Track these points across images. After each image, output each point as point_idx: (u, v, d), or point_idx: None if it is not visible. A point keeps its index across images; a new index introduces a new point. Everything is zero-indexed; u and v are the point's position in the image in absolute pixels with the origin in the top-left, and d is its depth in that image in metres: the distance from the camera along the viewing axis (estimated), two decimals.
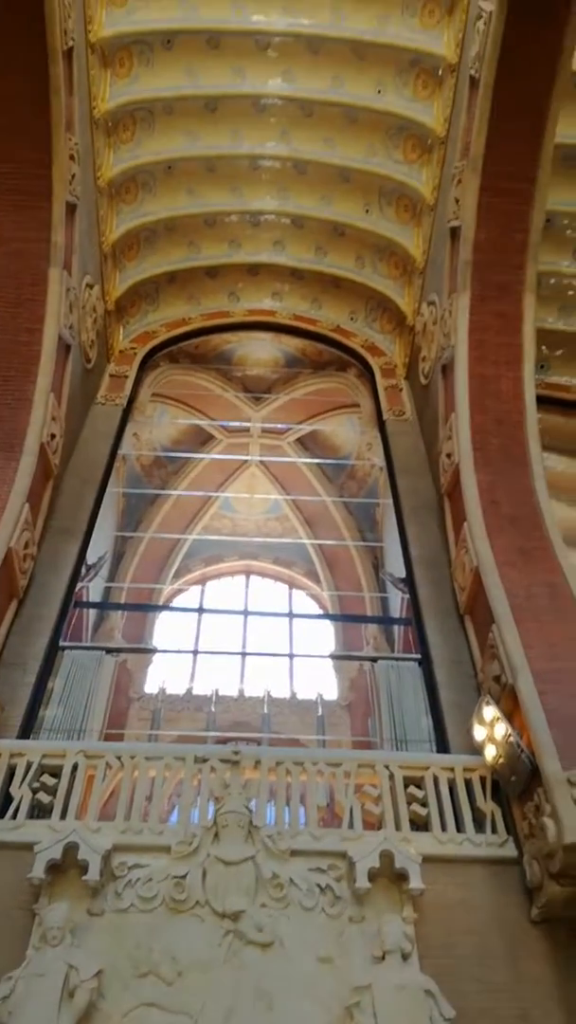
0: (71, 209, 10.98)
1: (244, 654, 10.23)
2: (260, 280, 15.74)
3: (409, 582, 10.15)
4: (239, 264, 15.44)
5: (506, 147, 10.42)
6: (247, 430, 13.67)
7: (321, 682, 11.87)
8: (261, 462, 13.01)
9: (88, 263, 12.25)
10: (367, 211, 14.34)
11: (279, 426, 13.40)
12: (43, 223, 10.47)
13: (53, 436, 10.26)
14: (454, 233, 11.26)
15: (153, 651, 10.69)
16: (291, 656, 10.42)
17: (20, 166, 10.40)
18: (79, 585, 9.88)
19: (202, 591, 11.93)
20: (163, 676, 11.34)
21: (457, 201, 11.06)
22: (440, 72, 12.29)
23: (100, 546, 11.18)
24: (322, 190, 14.53)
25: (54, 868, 6.59)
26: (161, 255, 14.76)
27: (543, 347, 13.46)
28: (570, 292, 13.40)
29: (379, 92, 13.23)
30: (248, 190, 14.70)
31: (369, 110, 13.36)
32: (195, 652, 10.41)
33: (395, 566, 10.92)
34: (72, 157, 10.81)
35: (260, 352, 15.48)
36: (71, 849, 6.65)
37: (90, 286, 12.32)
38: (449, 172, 11.76)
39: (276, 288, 15.81)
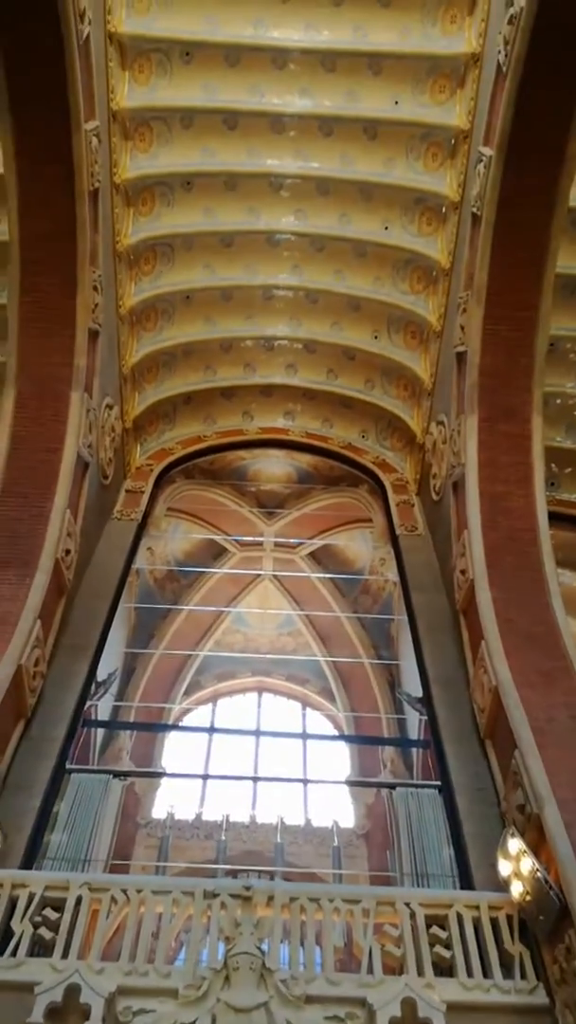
0: (93, 336, 11.48)
1: (256, 779, 9.89)
2: (274, 400, 16.24)
3: (427, 702, 9.92)
4: (254, 385, 15.97)
5: (508, 278, 10.92)
6: (260, 544, 13.76)
7: (337, 808, 11.41)
8: (274, 576, 13.02)
9: (108, 385, 12.70)
10: (376, 337, 14.93)
11: (292, 540, 13.49)
12: (67, 349, 10.94)
13: (68, 552, 10.35)
14: (460, 358, 11.65)
15: (162, 775, 10.36)
16: (305, 782, 10.06)
17: (47, 296, 10.97)
18: (88, 703, 9.71)
19: (213, 709, 11.67)
20: (172, 800, 10.96)
21: (463, 328, 11.50)
22: (444, 210, 13.05)
23: (110, 662, 11.06)
24: (333, 317, 15.19)
25: (54, 1012, 6.17)
26: (179, 377, 15.31)
27: (552, 465, 13.67)
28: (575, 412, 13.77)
29: (386, 228, 14.03)
30: (262, 318, 15.38)
31: (376, 244, 14.13)
32: (205, 776, 10.07)
33: (412, 685, 10.71)
34: (96, 288, 11.40)
35: (273, 468, 15.78)
36: (73, 991, 6.25)
37: (110, 407, 12.73)
38: (454, 301, 12.28)
39: (289, 408, 16.28)
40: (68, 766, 8.88)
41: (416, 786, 9.33)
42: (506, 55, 9.95)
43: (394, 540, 13.09)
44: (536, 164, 10.37)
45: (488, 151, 10.78)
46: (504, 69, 10.08)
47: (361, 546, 13.96)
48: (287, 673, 12.15)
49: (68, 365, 10.95)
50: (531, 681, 8.80)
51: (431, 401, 13.76)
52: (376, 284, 14.58)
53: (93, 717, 10.00)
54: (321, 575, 12.83)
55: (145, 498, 13.63)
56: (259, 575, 12.89)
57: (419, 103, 12.94)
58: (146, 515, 13.43)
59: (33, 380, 10.78)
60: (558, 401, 13.56)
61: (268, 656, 11.40)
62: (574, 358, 13.42)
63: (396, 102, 13.15)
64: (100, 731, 10.91)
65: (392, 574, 12.66)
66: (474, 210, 11.35)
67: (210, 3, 12.61)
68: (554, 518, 11.80)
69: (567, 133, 10.06)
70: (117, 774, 9.36)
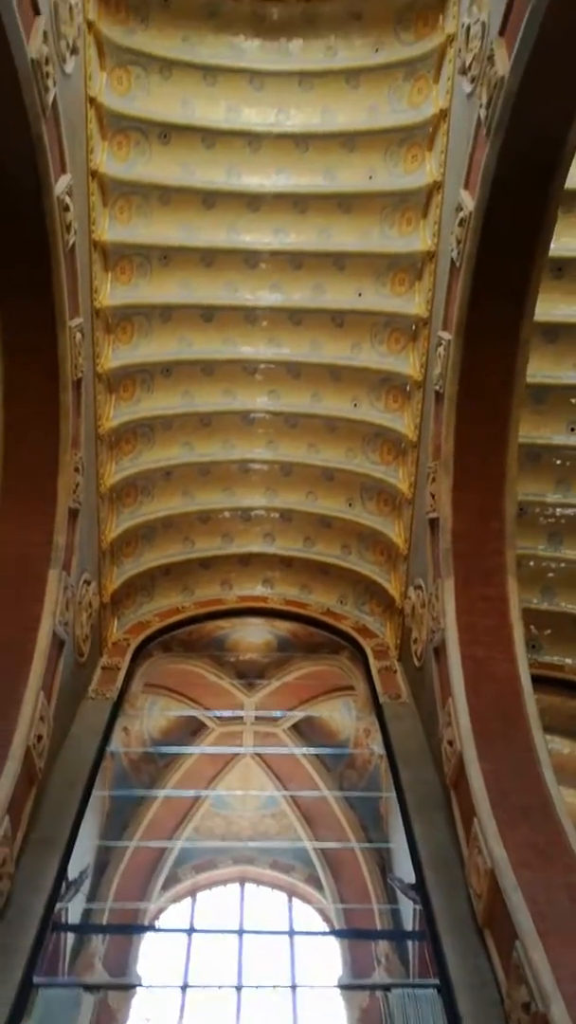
0: (73, 514, 11.67)
1: (240, 987, 9.02)
2: (252, 569, 16.36)
3: (420, 888, 9.29)
4: (232, 555, 16.15)
5: (474, 449, 11.42)
6: (241, 718, 13.36)
7: (327, 1013, 10.36)
8: (256, 754, 12.55)
9: (87, 561, 12.76)
10: (350, 505, 15.33)
11: (273, 713, 13.13)
12: (46, 528, 11.08)
13: (40, 738, 9.96)
14: (433, 524, 11.93)
15: (136, 986, 9.43)
16: (294, 987, 9.20)
17: (28, 478, 11.23)
18: (58, 906, 8.97)
19: (192, 906, 10.83)
20: (149, 1014, 9.89)
21: (433, 496, 11.87)
22: (408, 388, 13.83)
23: (82, 857, 10.35)
24: (308, 487, 15.65)
25: None
26: (158, 550, 15.45)
27: (532, 627, 13.69)
28: (550, 574, 13.95)
29: (355, 405, 14.78)
30: (240, 490, 15.81)
31: (347, 420, 14.84)
32: (184, 987, 9.17)
33: (404, 868, 10.07)
34: (77, 469, 11.73)
35: (253, 636, 15.64)
36: None
37: (87, 582, 12.72)
38: (423, 470, 12.75)
39: (267, 575, 16.39)
40: (35, 979, 8.07)
41: (414, 986, 8.55)
42: (459, 252, 10.92)
43: (378, 709, 12.78)
44: (493, 346, 11.12)
45: (447, 335, 11.58)
46: (457, 264, 11.04)
47: (345, 716, 13.61)
48: (271, 860, 11.40)
49: (47, 544, 11.05)
50: (527, 860, 8.35)
51: (407, 565, 13.93)
52: (348, 456, 15.16)
53: (63, 920, 9.20)
54: (304, 750, 12.38)
55: (121, 675, 13.34)
56: (240, 752, 12.42)
57: (381, 294, 14.04)
58: (122, 693, 13.09)
59: (11, 560, 10.82)
60: (531, 564, 13.78)
61: (250, 845, 10.73)
62: (543, 522, 13.80)
63: (360, 294, 14.27)
64: (70, 936, 10.02)
65: (378, 746, 12.26)
66: (437, 388, 12.03)
67: (187, 214, 13.89)
68: (537, 681, 11.66)
69: (520, 318, 10.89)
70: (89, 987, 8.51)
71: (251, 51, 13.36)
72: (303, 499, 15.77)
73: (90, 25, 11.54)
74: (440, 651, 11.12)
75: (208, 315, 14.60)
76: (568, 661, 14.11)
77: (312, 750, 12.37)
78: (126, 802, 11.33)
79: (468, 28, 10.43)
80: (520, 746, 9.72)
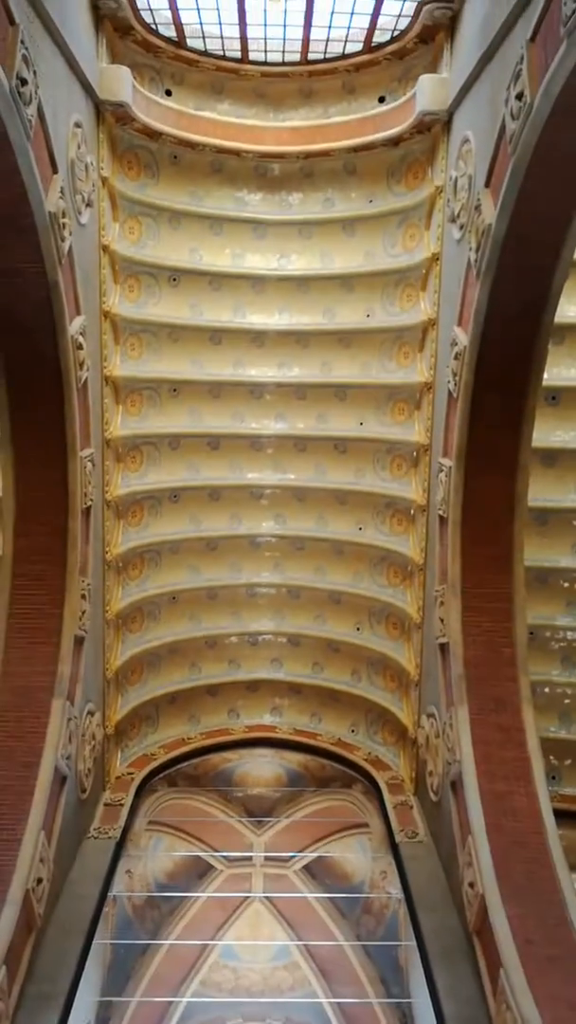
0: (79, 642, 11.55)
1: None
2: (260, 696, 16.02)
3: None
4: (239, 681, 15.87)
5: (481, 573, 11.38)
6: (249, 859, 12.68)
7: None
8: (266, 898, 11.83)
9: (91, 690, 12.52)
10: (358, 629, 15.17)
11: (284, 854, 12.48)
12: (51, 657, 10.93)
13: (40, 881, 9.47)
14: (443, 649, 11.74)
15: None
16: None
17: (35, 606, 11.19)
18: None
19: None
20: None
21: (442, 620, 11.74)
22: (412, 511, 13.98)
23: (83, 1013, 9.61)
24: (315, 611, 15.55)
25: None
26: (164, 677, 15.20)
27: (551, 757, 13.22)
28: (566, 700, 13.59)
29: (360, 529, 14.91)
30: (247, 614, 15.72)
31: (352, 543, 14.92)
32: None
33: None
34: (84, 596, 11.70)
35: (261, 770, 15.09)
36: None
37: (91, 713, 12.44)
38: (431, 594, 12.68)
39: (275, 703, 16.02)
40: None
41: None
42: (455, 383, 11.29)
43: (394, 848, 12.16)
44: (493, 471, 11.29)
45: (447, 461, 11.79)
46: (455, 395, 11.38)
47: (360, 856, 12.91)
48: (284, 1016, 10.53)
49: (51, 673, 10.87)
50: (560, 1017, 7.73)
51: (419, 692, 13.61)
52: (355, 579, 15.15)
53: None
54: (317, 895, 11.68)
55: (125, 812, 12.80)
56: (249, 897, 11.72)
57: (382, 423, 14.45)
58: (125, 831, 12.52)
59: (14, 690, 10.62)
60: (546, 690, 13.46)
61: (260, 1000, 9.94)
62: (555, 646, 13.58)
63: (361, 423, 14.69)
64: None
65: (395, 889, 11.58)
66: (440, 512, 12.14)
67: (195, 349, 14.54)
68: (562, 815, 11.15)
69: (518, 445, 11.12)
70: None
71: (254, 203, 14.37)
72: (311, 623, 15.64)
73: (104, 181, 12.46)
74: (457, 785, 10.69)
75: (215, 443, 15.00)
76: None
77: (326, 895, 11.68)
78: (130, 951, 10.61)
79: (456, 181, 11.22)
80: (545, 887, 9.19)
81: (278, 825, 13.24)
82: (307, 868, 12.26)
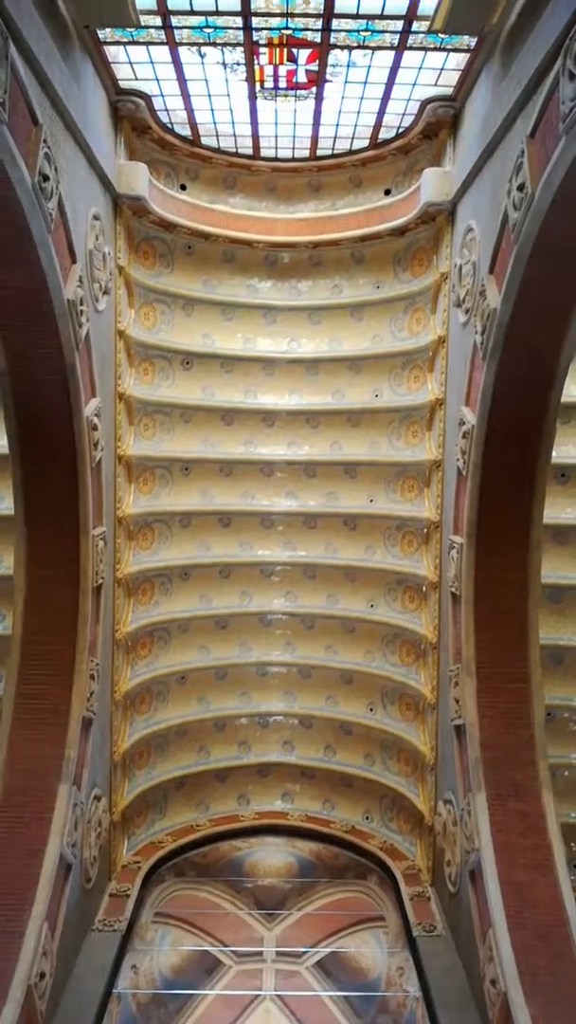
0: (87, 724, 11.35)
1: None
2: (270, 781, 15.61)
3: None
4: (249, 765, 15.48)
5: (495, 652, 11.21)
6: (260, 954, 12.11)
7: None
8: (277, 996, 11.23)
9: (98, 774, 12.23)
10: (371, 709, 14.88)
11: (296, 949, 11.91)
12: (58, 739, 10.73)
13: (43, 976, 9.05)
14: (459, 731, 11.47)
15: None
16: None
17: (44, 687, 11.05)
18: None
19: None
20: None
21: (457, 701, 11.51)
22: (424, 589, 13.88)
23: None
24: (327, 691, 15.29)
25: None
26: (171, 760, 14.85)
27: (572, 844, 12.72)
28: None
29: (371, 606, 14.79)
30: (257, 694, 15.46)
31: (364, 621, 14.78)
32: None
33: None
34: (92, 676, 11.56)
35: (272, 859, 14.56)
36: None
37: (98, 798, 12.12)
38: (445, 673, 12.47)
39: (287, 788, 15.59)
40: None
41: None
42: (464, 462, 11.39)
43: (411, 942, 11.61)
44: (504, 549, 11.26)
45: (459, 539, 11.78)
46: (464, 472, 11.47)
47: (375, 951, 12.30)
48: None
49: (59, 756, 10.65)
50: None
51: (435, 776, 13.22)
52: (367, 657, 14.95)
53: None
54: (331, 993, 11.09)
55: (131, 903, 12.32)
56: (260, 995, 11.13)
57: (391, 500, 14.53)
58: (131, 924, 12.03)
59: (20, 774, 10.39)
60: (566, 774, 13.06)
61: None
62: (573, 727, 13.24)
63: (371, 499, 14.76)
64: None
65: (413, 987, 10.99)
66: (452, 590, 12.06)
67: (207, 429, 14.79)
68: None
69: (529, 522, 11.12)
70: None
71: (264, 290, 14.84)
72: (322, 703, 15.36)
73: (121, 269, 12.93)
74: (476, 875, 10.28)
75: (226, 521, 15.07)
76: None
77: (340, 992, 11.10)
78: None
79: (460, 268, 11.59)
80: (570, 984, 8.72)
81: (290, 918, 12.70)
82: (320, 964, 11.70)
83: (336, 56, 10.95)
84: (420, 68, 11.27)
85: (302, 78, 11.52)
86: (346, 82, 11.54)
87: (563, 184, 7.59)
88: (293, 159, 14.09)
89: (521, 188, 8.51)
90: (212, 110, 12.59)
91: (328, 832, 14.75)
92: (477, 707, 10.94)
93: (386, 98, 11.97)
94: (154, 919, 12.66)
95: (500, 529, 11.21)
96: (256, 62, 11.14)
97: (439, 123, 12.29)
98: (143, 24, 10.09)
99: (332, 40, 10.52)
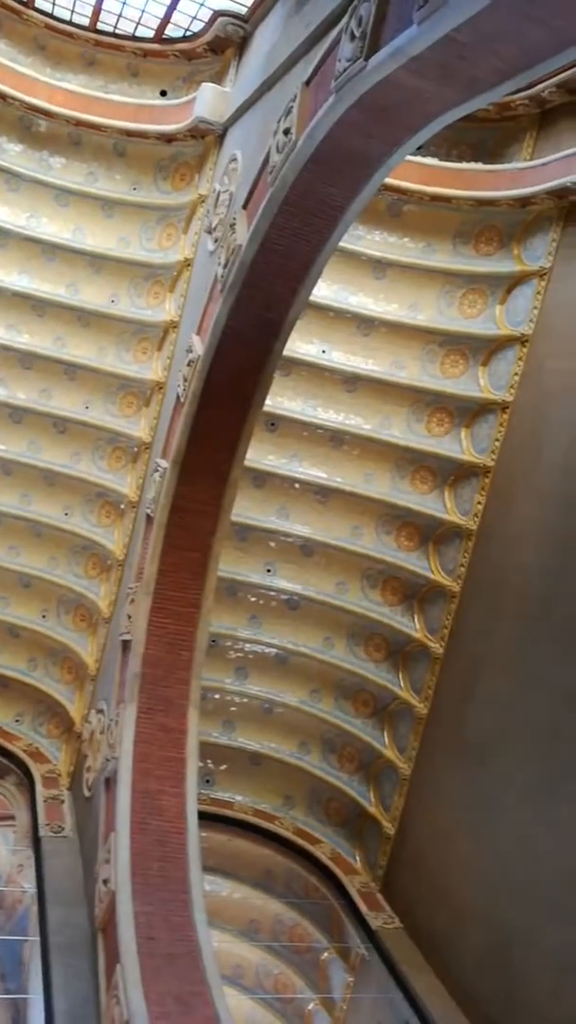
0: None
1: None
2: None
3: None
4: None
5: (175, 576, 11.55)
6: None
7: None
8: None
9: None
10: (44, 616, 14.65)
11: None
12: None
13: None
14: (126, 645, 11.71)
15: None
16: None
17: None
18: None
19: None
20: None
21: (130, 617, 11.73)
22: (123, 507, 13.85)
23: None
24: (1, 592, 14.72)
25: None
26: None
27: (208, 761, 13.74)
28: (232, 708, 14.23)
29: (66, 514, 14.46)
30: None
31: (54, 528, 14.41)
32: None
33: (38, 1021, 9.09)
34: None
35: None
36: None
37: None
38: (124, 590, 12.63)
39: None
40: None
41: None
42: (184, 389, 11.43)
43: (36, 842, 11.82)
44: (204, 480, 11.57)
45: (164, 463, 11.86)
46: (182, 400, 11.51)
47: (2, 849, 12.39)
48: None
49: None
50: (167, 1011, 7.96)
51: (94, 687, 13.43)
52: (51, 565, 14.62)
53: None
54: None
55: None
56: None
57: (108, 412, 14.19)
58: None
59: None
60: (216, 696, 13.99)
61: None
62: (232, 655, 14.18)
63: (87, 407, 14.30)
64: None
65: (29, 884, 11.24)
66: (148, 511, 12.17)
67: None
68: (207, 817, 11.61)
69: (232, 460, 11.51)
70: None
71: (12, 153, 13.49)
72: None
73: None
74: (111, 781, 10.66)
75: None
76: (239, 798, 14.24)
77: None
78: None
79: (219, 195, 11.44)
80: (177, 888, 9.44)
81: None
82: None
83: None
84: None
85: None
86: None
87: (323, 143, 7.74)
88: (71, 23, 12.86)
89: (287, 132, 8.53)
90: None
91: None
92: (147, 625, 11.22)
93: None
94: None
95: (204, 461, 11.46)
96: None
97: (227, 40, 11.91)
98: None
99: None
